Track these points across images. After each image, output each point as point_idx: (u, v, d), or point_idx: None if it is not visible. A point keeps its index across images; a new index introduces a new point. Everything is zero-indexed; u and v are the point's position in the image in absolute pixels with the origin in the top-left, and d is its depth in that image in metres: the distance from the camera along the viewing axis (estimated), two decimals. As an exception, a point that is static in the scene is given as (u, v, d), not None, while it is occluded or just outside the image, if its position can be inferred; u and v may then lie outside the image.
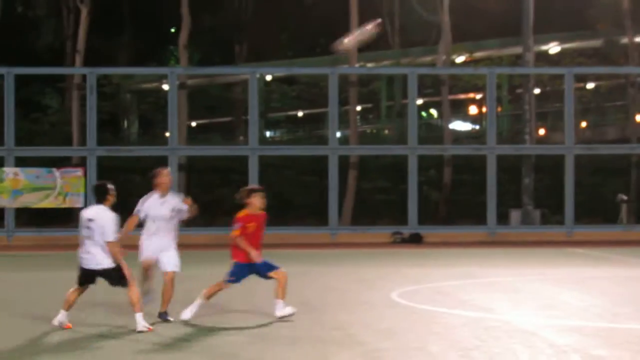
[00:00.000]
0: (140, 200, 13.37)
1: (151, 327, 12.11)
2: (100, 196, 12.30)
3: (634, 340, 11.41)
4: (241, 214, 12.80)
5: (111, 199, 12.30)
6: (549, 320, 13.09)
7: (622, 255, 25.84)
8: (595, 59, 50.51)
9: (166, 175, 13.45)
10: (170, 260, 13.20)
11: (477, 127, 54.76)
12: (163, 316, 13.03)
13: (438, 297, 15.63)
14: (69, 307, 12.43)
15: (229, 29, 51.53)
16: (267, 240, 13.29)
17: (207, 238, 30.92)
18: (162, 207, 13.25)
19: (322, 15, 51.28)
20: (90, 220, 12.11)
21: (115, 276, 12.11)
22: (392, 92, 54.49)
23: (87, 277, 12.30)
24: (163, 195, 13.31)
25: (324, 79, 41.13)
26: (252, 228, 12.74)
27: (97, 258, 12.10)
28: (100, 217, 12.06)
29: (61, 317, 12.42)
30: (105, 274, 12.16)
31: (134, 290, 12.15)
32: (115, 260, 12.04)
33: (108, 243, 11.98)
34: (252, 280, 13.23)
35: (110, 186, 12.32)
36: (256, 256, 12.67)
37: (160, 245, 13.22)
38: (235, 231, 12.70)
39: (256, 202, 12.84)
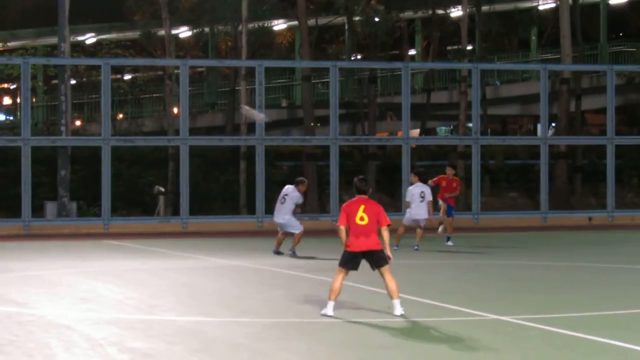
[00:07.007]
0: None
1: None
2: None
3: (170, 331, 11.73)
4: None
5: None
6: (85, 313, 13.23)
7: (159, 246, 25.70)
8: (133, 50, 50.67)
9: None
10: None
11: (12, 118, 52.35)
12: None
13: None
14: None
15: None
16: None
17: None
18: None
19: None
20: None
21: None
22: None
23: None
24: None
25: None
26: None
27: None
28: None
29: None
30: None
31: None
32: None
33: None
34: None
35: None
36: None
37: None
38: None
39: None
